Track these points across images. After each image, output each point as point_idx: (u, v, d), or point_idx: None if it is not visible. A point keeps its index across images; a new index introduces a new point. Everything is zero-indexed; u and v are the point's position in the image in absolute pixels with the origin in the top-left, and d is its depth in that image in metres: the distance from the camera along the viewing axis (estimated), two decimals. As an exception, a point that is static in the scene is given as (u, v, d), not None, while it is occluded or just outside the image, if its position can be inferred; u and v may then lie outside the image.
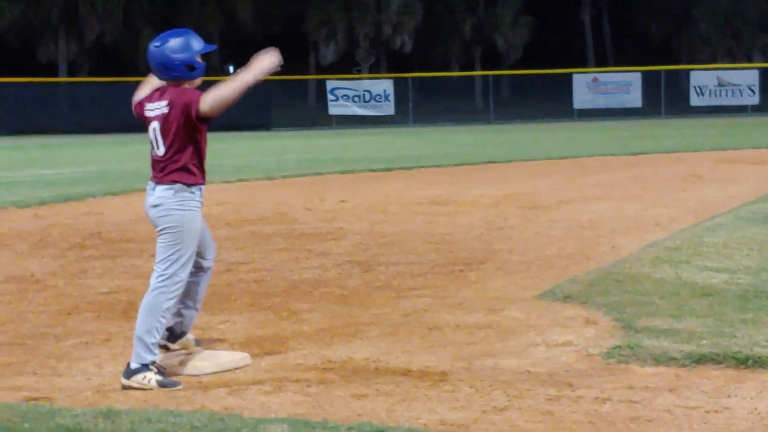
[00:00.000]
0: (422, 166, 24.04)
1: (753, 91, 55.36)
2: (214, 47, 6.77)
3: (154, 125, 6.49)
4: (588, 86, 56.11)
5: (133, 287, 9.63)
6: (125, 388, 6.36)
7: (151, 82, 6.76)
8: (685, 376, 6.31)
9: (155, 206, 6.49)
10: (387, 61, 65.61)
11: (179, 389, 6.28)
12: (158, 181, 6.49)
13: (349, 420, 5.52)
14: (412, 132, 48.35)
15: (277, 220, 14.25)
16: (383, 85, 55.67)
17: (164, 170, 6.46)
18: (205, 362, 6.72)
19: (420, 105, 55.21)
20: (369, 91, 55.28)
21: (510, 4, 66.95)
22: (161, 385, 6.31)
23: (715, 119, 50.51)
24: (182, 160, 6.44)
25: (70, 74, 60.51)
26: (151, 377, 6.33)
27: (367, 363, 6.78)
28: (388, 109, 55.03)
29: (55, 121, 50.64)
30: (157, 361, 6.46)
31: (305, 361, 6.89)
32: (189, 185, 6.47)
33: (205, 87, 6.61)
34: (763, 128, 40.39)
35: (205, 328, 7.77)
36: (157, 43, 6.54)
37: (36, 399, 6.05)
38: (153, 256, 11.22)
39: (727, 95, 55.56)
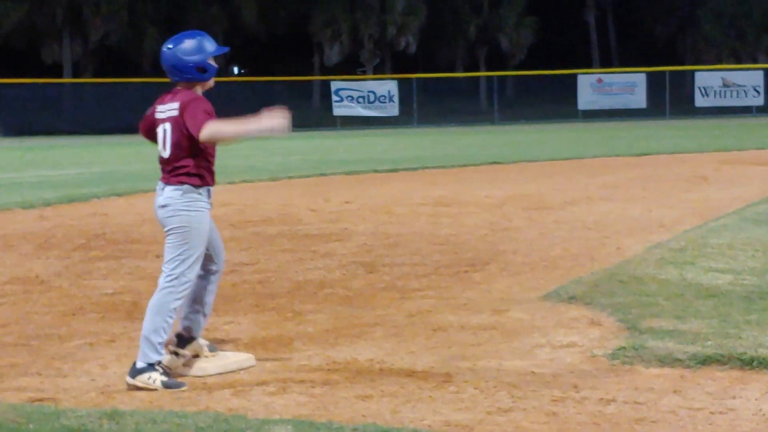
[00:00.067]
0: (427, 167, 24.04)
1: (758, 92, 55.32)
2: (226, 49, 6.77)
3: (165, 126, 6.50)
4: (593, 87, 56.10)
5: (137, 288, 9.64)
6: (130, 387, 6.36)
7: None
8: (689, 377, 6.31)
9: (163, 206, 6.50)
10: (391, 62, 65.64)
11: (183, 390, 6.28)
12: (167, 182, 6.51)
13: (354, 421, 5.52)
14: (416, 133, 48.36)
15: (281, 221, 14.25)
16: (388, 86, 55.69)
17: (172, 171, 6.47)
18: (209, 363, 6.72)
19: (424, 106, 55.22)
20: (373, 92, 55.30)
21: (514, 5, 66.97)
22: (166, 385, 6.31)
23: (720, 120, 50.48)
24: (190, 161, 6.45)
25: (75, 75, 60.59)
26: (156, 377, 6.33)
27: (371, 364, 6.78)
28: (393, 110, 55.05)
29: (59, 122, 50.70)
30: (163, 362, 6.47)
31: (310, 362, 6.89)
32: (197, 186, 6.48)
33: (208, 92, 6.63)
34: (768, 129, 40.38)
35: (209, 329, 7.76)
36: (170, 45, 6.55)
37: (41, 400, 6.05)
38: (158, 256, 11.26)
39: (731, 96, 55.53)
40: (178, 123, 6.44)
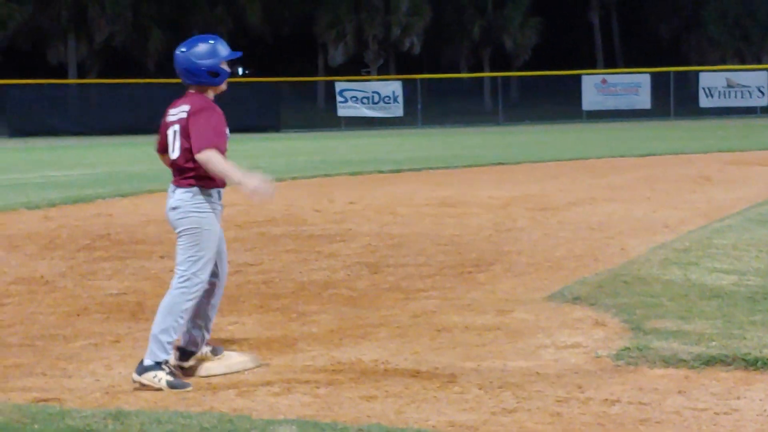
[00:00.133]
0: (431, 168, 24.03)
1: (762, 92, 55.22)
2: (239, 54, 6.78)
3: (174, 128, 6.53)
4: (597, 88, 56.02)
5: (142, 288, 9.66)
6: (135, 384, 6.39)
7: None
8: (694, 377, 6.31)
9: (174, 209, 6.52)
10: (396, 63, 65.62)
11: (188, 391, 6.29)
12: (177, 184, 6.53)
13: (358, 421, 5.53)
14: (420, 133, 48.35)
15: (285, 222, 14.26)
16: (392, 87, 55.63)
17: (183, 173, 6.49)
18: (214, 364, 6.73)
19: (429, 106, 55.17)
20: (378, 93, 55.24)
21: (519, 5, 66.92)
22: (170, 386, 6.32)
23: (725, 120, 50.40)
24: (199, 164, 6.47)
25: (80, 76, 60.61)
26: (162, 377, 6.34)
27: (376, 364, 6.78)
28: (397, 110, 54.99)
29: (64, 123, 50.68)
30: (170, 361, 6.48)
31: (314, 362, 6.89)
32: (207, 188, 6.49)
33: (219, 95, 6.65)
34: (773, 130, 40.33)
35: (214, 329, 7.75)
36: (183, 49, 6.57)
37: (45, 400, 6.06)
38: (163, 257, 11.31)
39: (736, 96, 55.44)
40: (186, 126, 6.46)
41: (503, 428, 5.47)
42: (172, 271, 10.36)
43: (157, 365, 6.38)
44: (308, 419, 5.53)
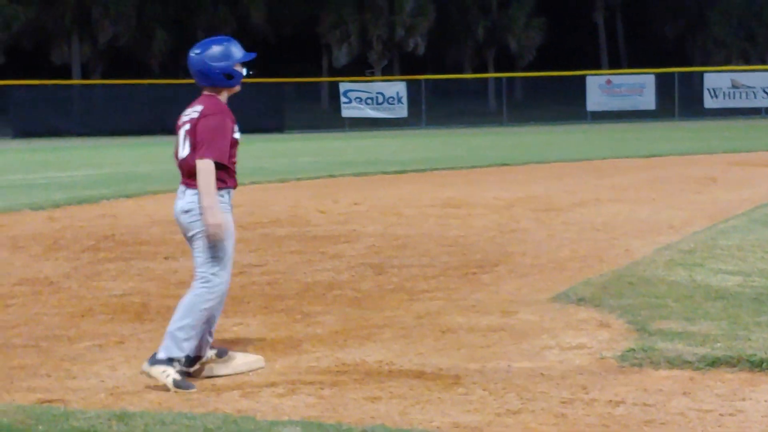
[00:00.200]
0: (435, 169, 24.03)
1: (767, 93, 55.20)
2: (253, 55, 6.77)
3: (186, 128, 6.52)
4: (601, 88, 56.00)
5: (146, 289, 9.66)
6: (143, 373, 6.42)
7: None
8: (699, 379, 6.30)
9: (186, 212, 6.48)
10: (400, 64, 65.64)
11: (192, 392, 6.29)
12: (188, 185, 6.49)
13: (363, 422, 5.52)
14: (425, 134, 48.36)
15: (290, 223, 14.26)
16: (396, 88, 55.64)
17: (193, 174, 6.45)
18: (219, 365, 6.73)
19: (433, 107, 55.19)
20: (382, 94, 55.25)
21: (523, 5, 66.94)
22: (176, 384, 6.31)
23: (729, 121, 50.38)
24: (223, 160, 6.46)
25: (84, 77, 60.69)
26: (171, 374, 6.34)
27: (380, 365, 6.78)
28: (401, 111, 55.00)
29: (68, 124, 50.73)
30: (183, 360, 6.45)
31: (318, 363, 6.89)
32: (218, 189, 6.46)
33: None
34: (777, 130, 40.32)
35: (218, 330, 7.76)
36: (198, 50, 6.57)
37: (50, 401, 6.07)
38: (167, 258, 11.33)
39: (741, 97, 55.40)
40: (195, 127, 6.46)
41: (508, 429, 5.47)
42: (176, 272, 10.46)
43: (169, 361, 6.38)
44: (312, 420, 5.52)
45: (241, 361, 6.80)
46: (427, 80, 56.68)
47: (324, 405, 5.92)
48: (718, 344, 6.85)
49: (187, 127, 6.51)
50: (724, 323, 7.46)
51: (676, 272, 9.50)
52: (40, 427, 5.33)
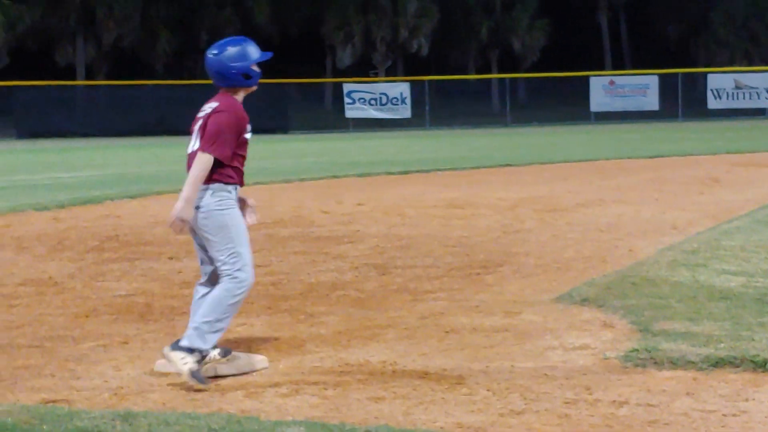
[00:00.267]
0: (439, 169, 24.03)
1: (771, 93, 55.20)
2: (270, 55, 6.79)
3: (200, 123, 6.56)
4: (605, 89, 56.00)
5: (150, 290, 9.67)
6: (164, 356, 6.47)
7: None
8: (702, 379, 6.30)
9: (196, 208, 6.51)
10: (404, 64, 65.64)
11: (203, 389, 6.29)
12: None
13: (366, 423, 5.53)
14: (428, 135, 48.36)
15: (293, 223, 14.27)
16: (400, 88, 55.67)
17: None
18: (222, 365, 6.73)
19: (437, 108, 55.20)
20: (386, 94, 55.28)
21: (527, 6, 66.93)
22: (192, 374, 6.33)
23: (733, 122, 50.38)
24: (226, 158, 6.48)
25: (88, 77, 60.72)
26: (189, 362, 6.36)
27: (384, 366, 6.79)
28: (405, 112, 55.02)
29: (72, 124, 50.78)
30: (204, 353, 6.47)
31: (322, 363, 6.90)
32: (226, 184, 6.51)
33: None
34: (781, 131, 40.28)
35: (222, 330, 7.78)
36: (215, 51, 6.60)
37: (54, 401, 6.07)
38: (171, 258, 11.34)
39: (744, 98, 55.39)
40: (207, 123, 6.50)
41: (511, 430, 5.47)
42: (180, 272, 10.48)
43: (190, 350, 6.40)
44: (316, 420, 5.53)
45: (245, 361, 6.81)
46: (430, 81, 56.70)
47: (328, 405, 5.93)
48: (722, 345, 6.85)
49: (201, 123, 6.55)
50: (727, 324, 7.46)
51: (680, 273, 9.50)
52: (45, 427, 5.34)
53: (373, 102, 54.92)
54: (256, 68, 6.64)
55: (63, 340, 7.72)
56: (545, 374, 6.48)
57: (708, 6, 68.48)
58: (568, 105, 56.16)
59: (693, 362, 6.54)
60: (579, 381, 6.31)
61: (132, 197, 18.12)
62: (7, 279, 10.41)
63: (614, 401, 5.88)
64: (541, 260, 10.91)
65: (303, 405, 5.94)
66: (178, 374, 6.39)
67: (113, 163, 30.59)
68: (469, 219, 14.46)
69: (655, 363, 6.59)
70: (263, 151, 33.04)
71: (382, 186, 20.05)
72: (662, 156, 27.50)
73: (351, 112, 54.73)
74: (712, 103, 55.49)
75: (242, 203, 6.82)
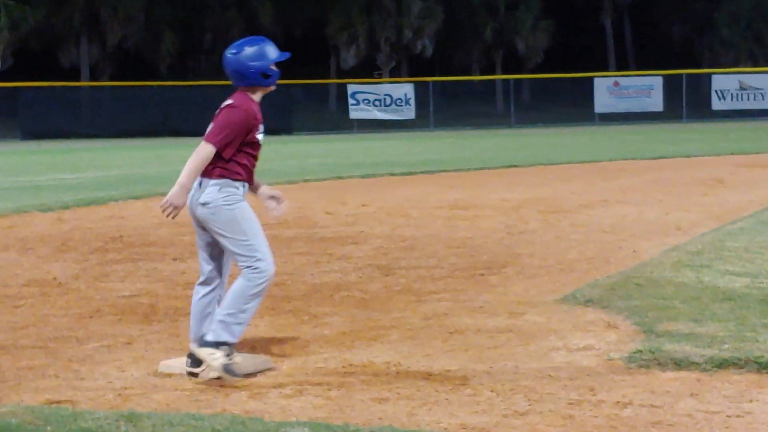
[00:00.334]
0: (443, 170, 24.04)
1: (775, 94, 55.15)
2: (288, 55, 6.80)
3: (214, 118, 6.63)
4: (609, 90, 55.99)
5: (154, 290, 9.67)
6: (190, 355, 6.49)
7: None
8: (706, 380, 6.30)
9: (204, 204, 6.53)
10: (408, 65, 65.62)
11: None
12: (204, 175, 6.53)
13: (370, 424, 5.53)
14: (432, 136, 48.37)
15: (298, 224, 14.27)
16: (404, 89, 55.68)
17: (212, 163, 6.50)
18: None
19: (441, 109, 55.20)
20: (390, 95, 55.29)
21: (531, 7, 66.86)
22: (225, 369, 6.36)
23: (737, 123, 50.35)
24: (227, 153, 6.50)
25: (92, 78, 60.74)
26: (219, 356, 6.39)
27: (387, 367, 6.79)
28: (409, 113, 55.03)
29: (77, 125, 50.83)
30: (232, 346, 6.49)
31: (326, 364, 6.90)
32: (234, 180, 6.53)
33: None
34: (786, 132, 40.25)
35: (226, 331, 7.78)
36: (233, 51, 6.63)
37: (58, 402, 6.07)
38: (175, 259, 11.34)
39: (749, 99, 55.36)
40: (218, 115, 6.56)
41: (515, 431, 5.47)
42: (184, 273, 10.48)
43: (217, 344, 6.41)
44: (320, 421, 5.53)
45: (249, 362, 6.81)
46: (434, 82, 56.72)
47: (331, 406, 5.93)
48: (726, 346, 6.85)
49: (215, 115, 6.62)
50: (731, 325, 7.46)
51: (684, 274, 9.50)
52: (49, 428, 5.34)
53: (377, 103, 54.94)
54: (274, 68, 6.66)
55: (67, 341, 7.72)
56: (549, 375, 6.48)
57: (712, 7, 68.41)
58: (573, 106, 56.15)
59: (697, 363, 6.54)
60: (583, 382, 6.31)
61: (136, 198, 18.13)
62: (12, 280, 10.42)
63: (618, 402, 5.88)
64: (545, 261, 10.91)
65: (307, 406, 5.94)
66: (186, 373, 6.37)
67: (117, 164, 30.61)
68: (473, 220, 14.47)
69: (659, 364, 6.59)
70: (267, 152, 32.98)
71: (386, 187, 20.05)
72: (666, 157, 27.49)
73: (355, 113, 54.76)
74: (717, 104, 55.46)
75: (270, 197, 6.83)
